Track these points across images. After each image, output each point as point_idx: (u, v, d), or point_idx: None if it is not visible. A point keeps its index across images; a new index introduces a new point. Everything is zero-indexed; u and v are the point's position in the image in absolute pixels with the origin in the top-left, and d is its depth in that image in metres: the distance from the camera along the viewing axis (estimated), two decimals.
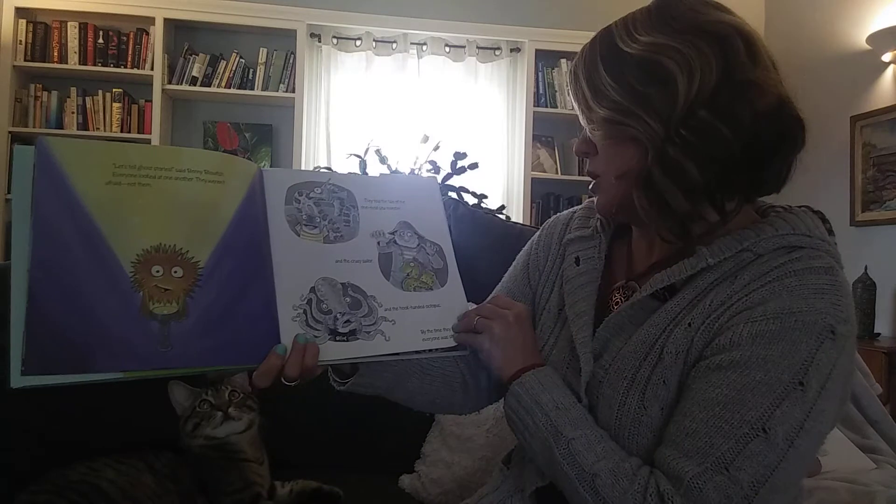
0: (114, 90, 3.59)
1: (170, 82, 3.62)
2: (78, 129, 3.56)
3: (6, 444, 1.20)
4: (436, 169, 2.83)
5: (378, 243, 0.82)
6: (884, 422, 1.39)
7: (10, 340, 0.61)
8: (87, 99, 3.58)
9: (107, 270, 0.66)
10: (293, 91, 3.70)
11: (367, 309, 0.78)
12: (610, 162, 0.77)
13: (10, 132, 3.48)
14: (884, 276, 2.99)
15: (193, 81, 3.64)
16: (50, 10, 3.51)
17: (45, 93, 3.57)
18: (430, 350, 0.82)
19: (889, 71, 3.17)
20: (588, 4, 3.86)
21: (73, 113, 3.57)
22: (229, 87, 3.68)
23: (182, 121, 3.79)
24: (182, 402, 1.13)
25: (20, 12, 3.48)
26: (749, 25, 0.76)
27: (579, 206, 0.96)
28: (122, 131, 3.57)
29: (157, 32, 3.56)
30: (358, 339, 0.76)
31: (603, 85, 0.74)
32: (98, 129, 3.57)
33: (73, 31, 3.54)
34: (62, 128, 3.55)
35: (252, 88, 3.70)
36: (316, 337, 0.74)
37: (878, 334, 2.95)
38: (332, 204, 0.82)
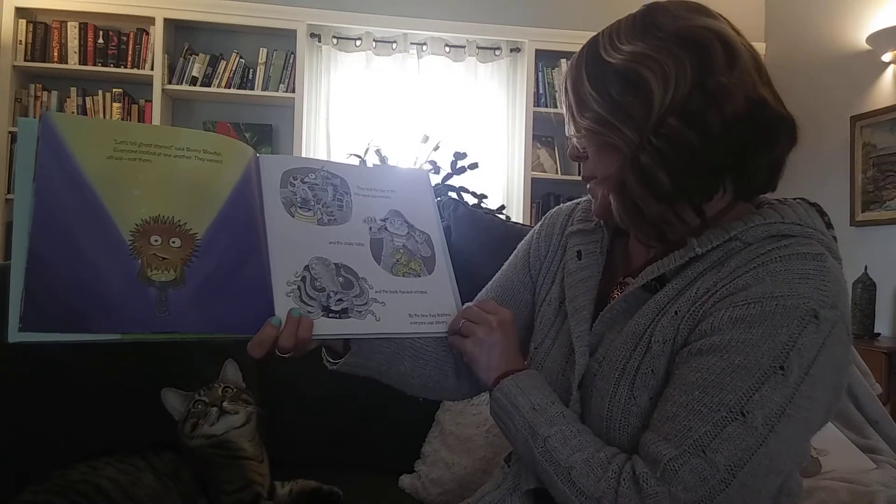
0: (114, 90, 3.59)
1: (170, 82, 3.62)
2: None
3: (6, 444, 1.20)
4: (436, 169, 2.82)
5: (370, 228, 0.85)
6: (884, 422, 1.39)
7: (9, 299, 0.63)
8: (87, 99, 3.59)
9: (106, 237, 0.68)
10: (293, 91, 3.70)
11: (359, 290, 0.80)
12: (596, 168, 0.80)
13: (10, 132, 3.48)
14: (884, 276, 2.99)
15: (193, 81, 3.65)
16: (50, 10, 3.51)
17: (45, 93, 3.57)
18: (418, 334, 0.85)
19: (889, 71, 3.17)
20: (588, 4, 3.86)
21: (72, 113, 3.57)
22: (229, 87, 3.68)
23: (182, 121, 3.79)
24: (177, 407, 1.13)
25: (20, 12, 3.49)
26: (731, 29, 0.76)
27: (583, 199, 0.96)
28: None
29: (157, 32, 3.56)
30: (350, 317, 0.78)
31: (586, 96, 0.76)
32: None
33: (73, 31, 3.55)
34: None
35: (252, 88, 3.70)
36: (310, 312, 0.76)
37: (878, 334, 2.95)
38: (325, 189, 0.84)
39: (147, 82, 3.58)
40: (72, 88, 3.57)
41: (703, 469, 0.65)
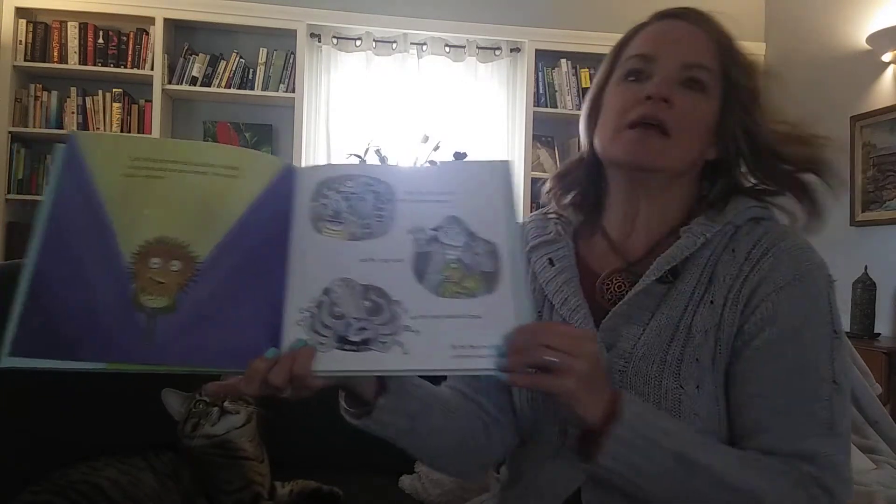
0: (114, 90, 3.59)
1: (170, 82, 3.62)
2: (78, 129, 3.55)
3: (6, 444, 1.20)
4: None
5: (416, 240, 0.72)
6: (884, 422, 1.39)
7: (9, 321, 0.63)
8: (87, 99, 3.58)
9: (108, 260, 0.66)
10: (293, 91, 3.69)
11: (389, 316, 0.68)
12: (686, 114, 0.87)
13: (10, 132, 3.48)
14: (884, 276, 2.98)
15: (193, 81, 3.64)
16: (50, 10, 3.51)
17: (45, 93, 3.57)
18: (461, 370, 0.71)
19: (889, 71, 3.17)
20: (588, 4, 3.86)
21: (73, 113, 3.57)
22: (229, 87, 3.68)
23: (182, 121, 3.79)
24: (177, 408, 1.13)
25: (20, 12, 3.48)
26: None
27: (526, 219, 0.97)
28: (122, 131, 3.57)
29: (157, 32, 3.56)
30: (371, 349, 0.66)
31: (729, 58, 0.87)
32: (98, 129, 3.56)
33: (73, 31, 3.54)
34: (62, 128, 3.55)
35: (252, 88, 3.70)
36: (321, 343, 0.66)
37: (878, 334, 2.95)
38: (364, 198, 0.74)
39: (147, 82, 3.58)
40: (72, 88, 3.57)
41: (841, 443, 0.72)
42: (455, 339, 0.67)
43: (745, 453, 0.72)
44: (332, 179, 0.75)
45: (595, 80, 0.91)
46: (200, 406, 1.11)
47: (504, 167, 0.77)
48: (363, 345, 0.66)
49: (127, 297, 0.65)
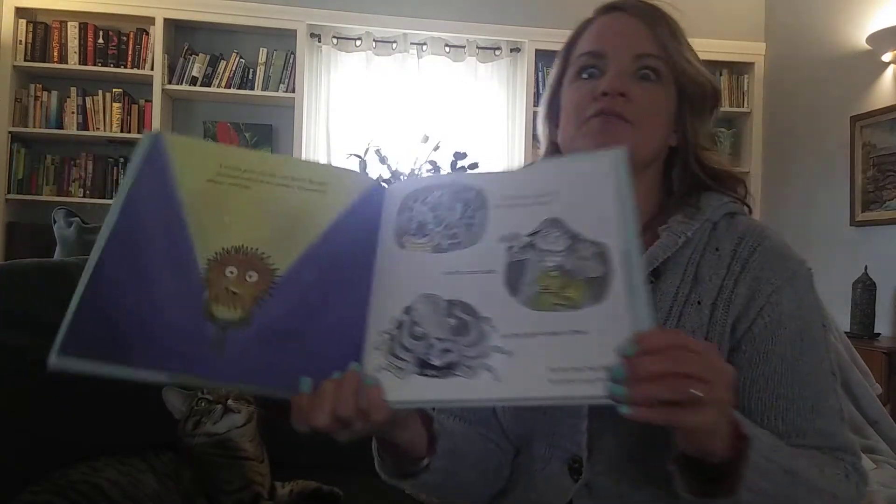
0: (114, 90, 3.59)
1: (170, 82, 3.62)
2: (78, 129, 3.56)
3: (6, 444, 1.20)
4: (436, 169, 2.82)
5: (509, 248, 0.63)
6: (883, 422, 1.39)
7: (64, 318, 0.58)
8: (87, 99, 3.58)
9: (181, 264, 0.62)
10: (293, 91, 3.70)
11: (476, 335, 0.59)
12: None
13: (10, 132, 3.48)
14: (884, 276, 2.98)
15: (193, 81, 3.65)
16: (50, 10, 3.51)
17: (45, 93, 3.57)
18: (565, 399, 0.59)
19: (889, 71, 3.17)
20: (588, 4, 3.84)
21: (73, 113, 3.57)
22: (229, 87, 3.68)
23: (182, 121, 3.79)
24: (179, 406, 1.13)
25: (20, 12, 3.49)
26: None
27: None
28: (122, 131, 3.58)
29: (157, 32, 3.56)
30: (455, 374, 0.58)
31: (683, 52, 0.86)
32: (98, 129, 3.57)
33: (73, 31, 3.55)
34: (62, 128, 3.56)
35: (252, 88, 3.70)
36: (399, 369, 0.59)
37: (878, 334, 2.95)
38: (453, 207, 0.67)
39: (147, 82, 3.58)
40: (72, 88, 3.57)
41: (848, 428, 0.76)
42: (555, 361, 0.56)
43: (809, 453, 0.70)
44: (419, 191, 0.69)
45: (549, 81, 0.90)
46: (203, 404, 1.11)
47: (615, 157, 0.65)
48: (447, 369, 0.58)
49: (198, 306, 0.60)
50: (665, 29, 0.81)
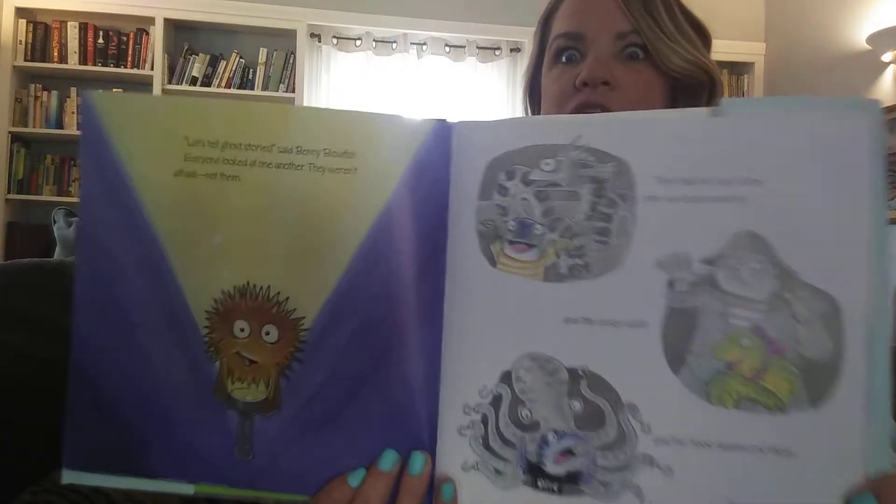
0: (114, 90, 3.58)
1: (170, 82, 3.62)
2: (78, 129, 3.54)
3: (6, 443, 1.20)
4: None
5: (671, 284, 0.39)
6: None
7: None
8: None
9: (173, 319, 0.43)
10: (293, 91, 3.70)
11: (616, 433, 0.39)
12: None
13: (10, 132, 3.47)
14: None
15: (193, 81, 3.64)
16: (50, 10, 3.51)
17: (45, 93, 3.56)
18: None
19: (889, 71, 3.17)
20: None
21: (73, 113, 3.57)
22: (229, 87, 3.67)
23: None
24: None
25: (20, 12, 3.48)
26: None
27: None
28: None
29: (157, 32, 3.56)
30: (582, 491, 0.39)
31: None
32: None
33: (73, 31, 3.54)
34: (62, 128, 3.55)
35: (252, 88, 3.70)
36: (497, 472, 0.41)
37: None
38: (575, 192, 0.41)
39: (147, 82, 3.58)
40: (72, 88, 3.57)
41: None
42: (740, 493, 0.37)
43: None
44: (518, 153, 0.42)
45: (526, 65, 0.81)
46: None
47: (870, 116, 0.37)
48: (569, 483, 0.40)
49: (208, 383, 0.43)
50: (650, 2, 0.69)
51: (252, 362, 0.44)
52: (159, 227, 0.43)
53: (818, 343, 0.36)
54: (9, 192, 3.51)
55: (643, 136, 0.40)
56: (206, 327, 0.43)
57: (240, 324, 0.43)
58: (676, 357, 0.38)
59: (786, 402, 0.37)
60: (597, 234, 0.40)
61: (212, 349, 0.44)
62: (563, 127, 0.41)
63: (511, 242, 0.42)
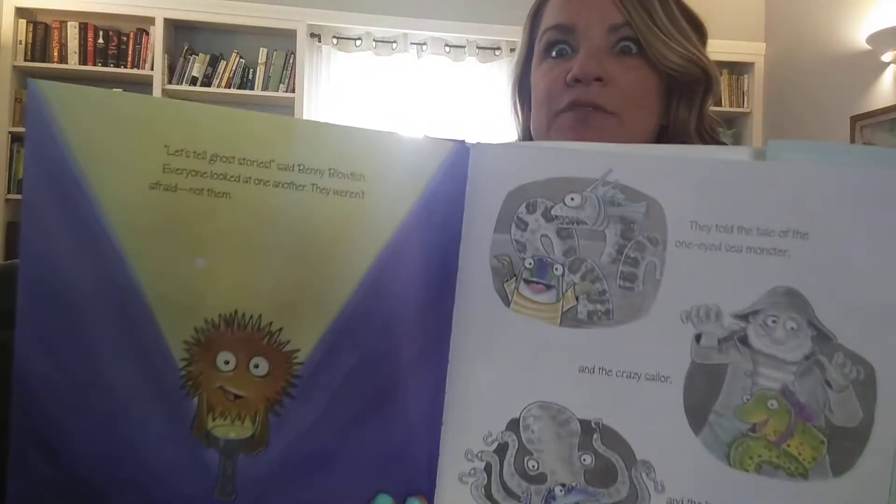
0: (114, 90, 3.58)
1: (170, 82, 3.62)
2: None
3: (6, 443, 1.20)
4: None
5: (697, 338, 0.37)
6: None
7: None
8: None
9: (141, 353, 0.39)
10: (293, 91, 3.70)
11: (628, 490, 0.37)
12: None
13: (10, 132, 3.48)
14: None
15: (193, 81, 3.64)
16: (50, 10, 3.51)
17: None
18: None
19: (889, 71, 3.17)
20: None
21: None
22: (229, 87, 3.68)
23: None
24: None
25: (20, 12, 3.48)
26: None
27: None
28: None
29: (157, 32, 3.56)
30: None
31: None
32: None
33: (73, 31, 3.54)
34: None
35: (252, 88, 3.70)
36: None
37: None
38: (601, 232, 0.38)
39: (147, 82, 3.58)
40: None
41: None
42: None
43: None
44: (539, 187, 0.39)
45: (516, 59, 0.76)
46: None
47: None
48: None
49: (186, 421, 0.39)
50: None
51: (237, 397, 0.40)
52: (127, 247, 0.38)
53: (849, 410, 0.34)
54: (9, 192, 3.51)
55: (679, 175, 0.37)
56: (184, 359, 0.39)
57: (224, 355, 0.40)
58: (698, 415, 0.36)
59: (808, 468, 0.35)
60: (622, 278, 0.38)
61: (189, 383, 0.39)
62: (593, 159, 0.38)
63: (527, 282, 0.39)
